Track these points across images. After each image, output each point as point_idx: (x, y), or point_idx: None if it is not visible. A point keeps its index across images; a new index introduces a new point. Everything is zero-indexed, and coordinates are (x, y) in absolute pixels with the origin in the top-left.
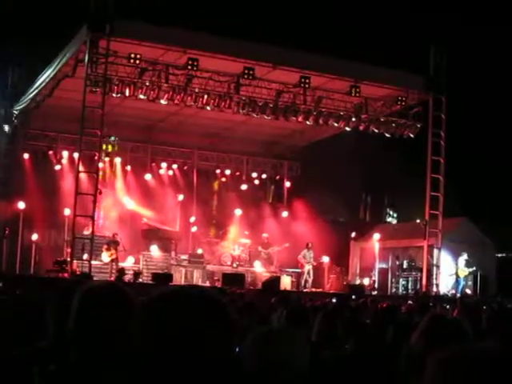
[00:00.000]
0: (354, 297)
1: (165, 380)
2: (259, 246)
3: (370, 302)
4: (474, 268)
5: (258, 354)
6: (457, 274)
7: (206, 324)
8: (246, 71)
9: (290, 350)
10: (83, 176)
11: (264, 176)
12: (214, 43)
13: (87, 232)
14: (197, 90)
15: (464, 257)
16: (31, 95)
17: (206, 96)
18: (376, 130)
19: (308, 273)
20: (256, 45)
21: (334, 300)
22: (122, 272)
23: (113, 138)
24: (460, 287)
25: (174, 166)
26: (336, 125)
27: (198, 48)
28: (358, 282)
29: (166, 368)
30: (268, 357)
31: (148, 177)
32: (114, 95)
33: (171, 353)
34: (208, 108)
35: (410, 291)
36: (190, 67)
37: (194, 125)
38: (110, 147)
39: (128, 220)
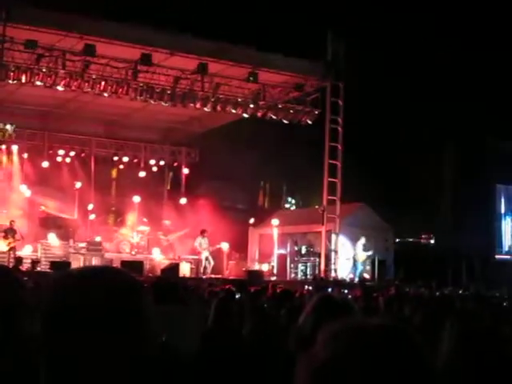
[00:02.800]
0: (252, 282)
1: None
2: (160, 233)
3: (270, 287)
4: (372, 252)
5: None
6: (354, 258)
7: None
8: (144, 57)
9: (181, 330)
10: None
11: (162, 163)
12: (111, 29)
13: None
14: (94, 77)
15: (362, 241)
16: None
17: (103, 82)
18: (274, 117)
19: (206, 259)
20: (153, 31)
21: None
22: (19, 261)
23: (9, 127)
24: (358, 272)
25: (72, 154)
26: (234, 111)
27: (95, 34)
28: (257, 267)
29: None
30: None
31: (45, 164)
32: (11, 82)
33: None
34: (105, 94)
35: (308, 276)
36: (86, 53)
37: (91, 112)
38: (6, 134)
39: (25, 208)
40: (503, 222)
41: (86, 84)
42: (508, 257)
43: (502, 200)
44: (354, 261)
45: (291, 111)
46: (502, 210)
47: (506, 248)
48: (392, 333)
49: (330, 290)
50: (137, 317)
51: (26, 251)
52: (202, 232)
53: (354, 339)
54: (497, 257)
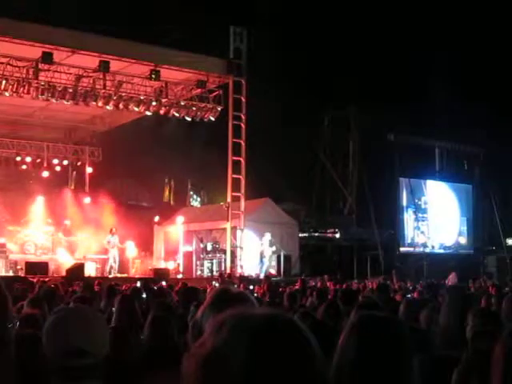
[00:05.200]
0: (158, 281)
1: None
2: (60, 233)
3: (176, 285)
4: (276, 248)
5: (55, 332)
6: (261, 254)
7: None
8: (45, 56)
9: (88, 329)
10: None
11: (65, 162)
12: (11, 28)
13: None
14: None
15: (267, 237)
16: None
17: (4, 82)
18: (177, 114)
19: (114, 258)
20: (54, 29)
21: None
22: None
23: None
24: (264, 267)
25: None
26: (137, 109)
27: None
28: (162, 265)
29: None
30: (65, 335)
31: None
32: None
33: None
34: (6, 94)
35: (215, 273)
36: None
37: None
38: None
39: None
40: (405, 214)
41: None
42: (411, 249)
43: (404, 193)
44: (261, 257)
45: (194, 108)
46: (404, 203)
47: (408, 240)
48: (273, 320)
49: (235, 286)
50: None
51: None
52: (111, 230)
53: (236, 328)
54: (401, 249)
